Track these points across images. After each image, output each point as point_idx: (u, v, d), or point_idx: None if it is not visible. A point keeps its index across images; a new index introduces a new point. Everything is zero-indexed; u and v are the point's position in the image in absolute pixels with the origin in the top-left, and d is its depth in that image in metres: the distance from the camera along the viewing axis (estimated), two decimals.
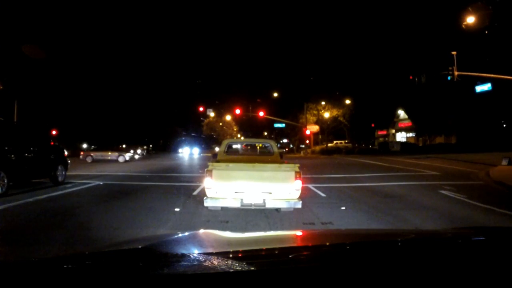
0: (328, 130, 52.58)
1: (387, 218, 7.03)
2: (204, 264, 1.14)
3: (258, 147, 16.06)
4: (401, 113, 55.27)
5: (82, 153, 30.52)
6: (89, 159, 28.45)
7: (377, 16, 74.08)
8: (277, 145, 10.65)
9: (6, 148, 9.97)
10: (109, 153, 29.25)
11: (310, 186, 11.43)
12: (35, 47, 32.93)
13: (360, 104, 49.97)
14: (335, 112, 50.32)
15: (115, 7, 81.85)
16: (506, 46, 25.61)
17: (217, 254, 1.29)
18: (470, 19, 19.71)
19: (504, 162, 16.60)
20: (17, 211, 7.61)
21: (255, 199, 6.50)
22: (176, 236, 1.75)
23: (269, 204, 6.52)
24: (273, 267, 1.20)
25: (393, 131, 58.44)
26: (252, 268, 1.12)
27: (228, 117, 63.77)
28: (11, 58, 31.73)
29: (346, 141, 54.23)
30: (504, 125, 44.13)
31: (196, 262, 1.17)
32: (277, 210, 7.09)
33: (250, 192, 6.52)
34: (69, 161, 13.51)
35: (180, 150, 60.19)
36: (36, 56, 33.22)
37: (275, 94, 49.54)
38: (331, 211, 7.71)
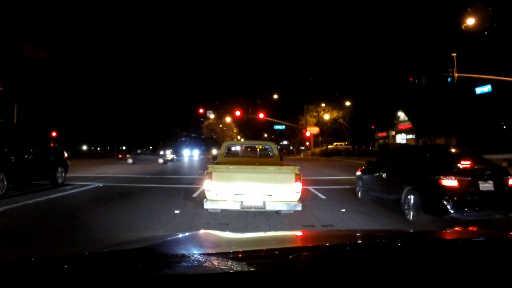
0: (328, 132, 52.59)
1: (388, 220, 7.02)
2: (204, 264, 1.14)
3: (258, 149, 16.06)
4: (401, 115, 55.20)
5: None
6: None
7: (377, 17, 74.11)
8: (277, 147, 10.63)
9: (5, 149, 9.96)
10: None
11: (310, 188, 11.42)
12: (35, 47, 33.00)
13: (360, 106, 49.87)
14: (335, 114, 50.31)
15: (115, 9, 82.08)
16: (506, 47, 25.65)
17: (217, 254, 1.29)
18: (470, 21, 19.75)
19: (505, 164, 16.56)
20: (16, 213, 7.58)
21: (255, 201, 6.47)
22: (176, 237, 1.75)
23: (269, 207, 6.49)
24: (273, 268, 1.20)
25: (393, 133, 58.37)
26: (252, 269, 1.12)
27: (228, 119, 63.89)
28: (11, 59, 31.80)
29: (346, 142, 54.14)
30: (504, 127, 44.09)
31: (196, 263, 1.17)
32: (277, 212, 7.07)
33: (250, 194, 6.49)
34: (69, 163, 13.49)
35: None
36: (36, 57, 33.29)
37: (275, 96, 49.68)
38: (331, 213, 7.70)
